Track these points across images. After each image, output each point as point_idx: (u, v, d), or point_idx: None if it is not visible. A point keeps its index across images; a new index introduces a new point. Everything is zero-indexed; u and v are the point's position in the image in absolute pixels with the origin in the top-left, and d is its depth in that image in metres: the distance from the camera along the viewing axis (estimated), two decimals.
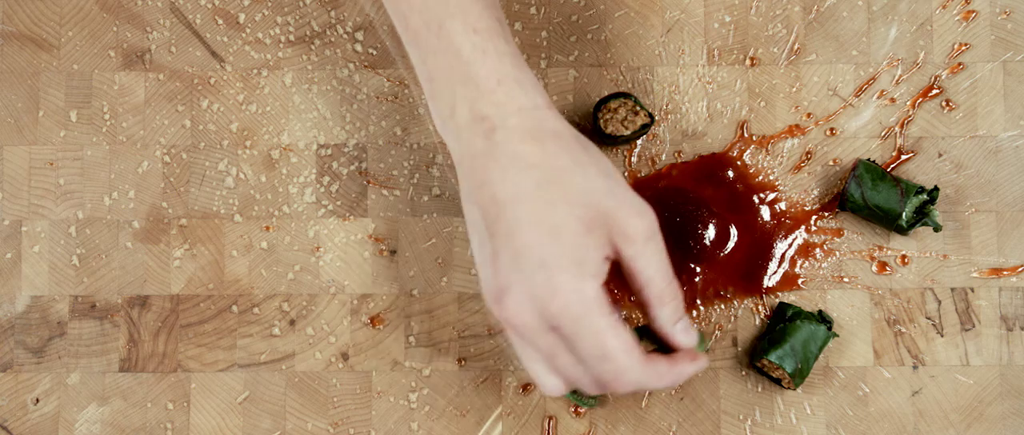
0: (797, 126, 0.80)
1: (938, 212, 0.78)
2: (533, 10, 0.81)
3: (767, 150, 0.80)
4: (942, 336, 0.79)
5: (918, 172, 0.80)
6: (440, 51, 0.64)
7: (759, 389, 0.79)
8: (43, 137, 0.81)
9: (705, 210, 0.80)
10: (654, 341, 0.69)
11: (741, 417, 0.79)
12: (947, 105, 0.80)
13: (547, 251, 0.62)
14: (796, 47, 0.81)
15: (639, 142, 0.80)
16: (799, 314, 0.77)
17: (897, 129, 0.80)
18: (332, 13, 0.81)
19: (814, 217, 0.80)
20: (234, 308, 0.80)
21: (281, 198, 0.80)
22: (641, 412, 0.79)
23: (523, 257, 0.62)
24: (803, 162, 0.80)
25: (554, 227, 0.62)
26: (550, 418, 0.79)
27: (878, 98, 0.80)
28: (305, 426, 0.79)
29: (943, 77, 0.80)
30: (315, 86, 0.81)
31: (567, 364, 0.64)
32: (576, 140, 0.65)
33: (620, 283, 0.79)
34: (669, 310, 0.66)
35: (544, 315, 0.62)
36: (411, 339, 0.79)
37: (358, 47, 0.81)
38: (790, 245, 0.80)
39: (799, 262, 0.79)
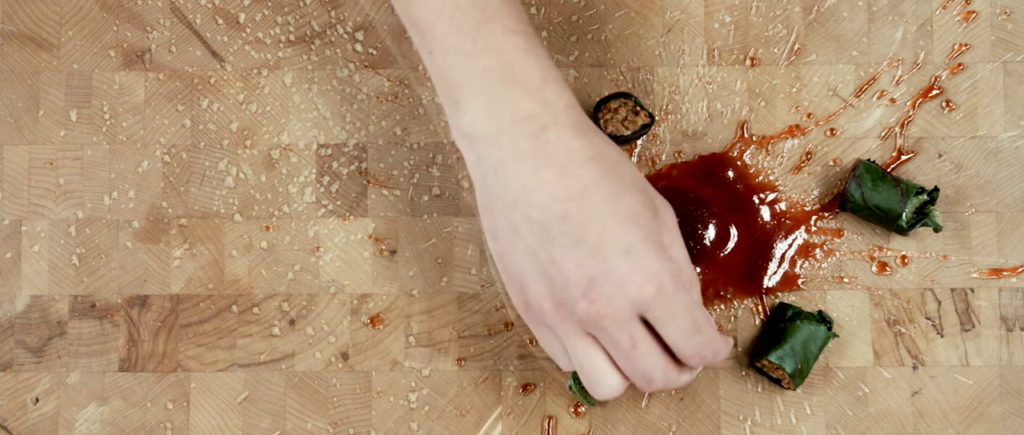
0: (797, 126, 0.80)
1: (938, 212, 0.78)
2: (533, 10, 0.81)
3: (767, 150, 0.80)
4: (942, 336, 0.79)
5: (918, 172, 0.80)
6: (475, 54, 0.64)
7: (759, 389, 0.79)
8: (43, 137, 0.81)
9: (705, 210, 0.80)
10: None
11: (741, 417, 0.79)
12: (947, 106, 0.80)
13: (630, 238, 0.62)
14: (796, 47, 0.81)
15: (639, 142, 0.80)
16: (799, 314, 0.77)
17: (897, 129, 0.80)
18: (332, 13, 0.81)
19: (814, 217, 0.80)
20: (234, 308, 0.80)
21: (281, 198, 0.80)
22: (641, 412, 0.79)
23: (605, 248, 0.62)
24: (803, 162, 0.80)
25: (630, 214, 0.63)
26: (550, 418, 0.79)
27: (878, 98, 0.80)
28: (305, 426, 0.79)
29: (943, 77, 0.80)
30: (315, 86, 0.81)
31: (645, 354, 0.65)
32: (605, 134, 0.66)
33: None
34: (697, 293, 0.67)
35: (636, 302, 0.63)
36: (411, 339, 0.79)
37: (358, 47, 0.81)
38: (790, 245, 0.80)
39: (799, 262, 0.79)
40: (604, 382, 0.66)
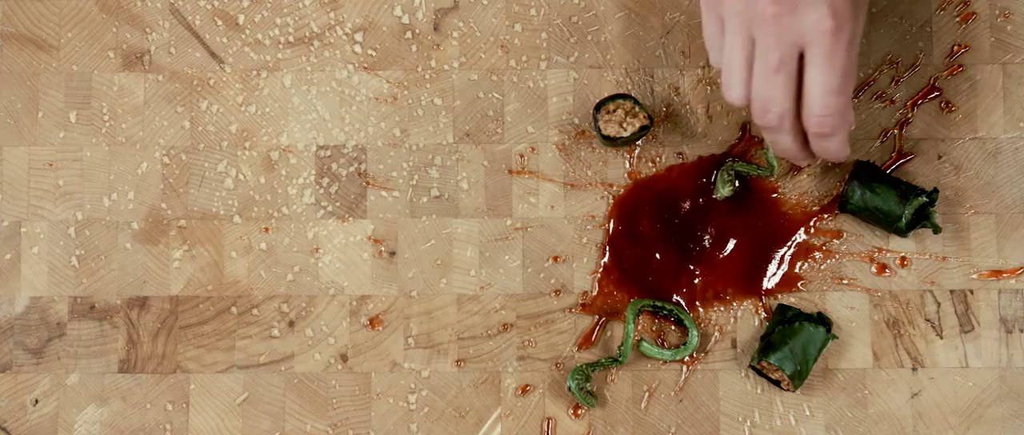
0: None
1: (938, 214, 0.78)
2: (533, 11, 0.81)
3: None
4: (941, 338, 0.79)
5: (918, 174, 0.80)
6: None
7: (758, 391, 0.79)
8: (42, 138, 0.81)
9: (705, 212, 0.80)
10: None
11: (740, 419, 0.79)
12: (946, 107, 0.80)
13: None
14: None
15: (639, 143, 0.80)
16: (799, 316, 0.77)
17: (896, 131, 0.80)
18: (331, 14, 0.81)
19: (814, 218, 0.80)
20: (233, 309, 0.80)
21: (280, 199, 0.80)
22: (640, 413, 0.79)
23: None
24: None
25: None
26: (549, 420, 0.79)
27: (877, 99, 0.80)
28: (304, 427, 0.79)
29: (942, 78, 0.80)
30: (314, 87, 0.81)
31: (780, 82, 0.68)
32: None
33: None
34: (853, 79, 0.70)
35: (811, 28, 0.66)
36: (410, 340, 0.79)
37: (357, 48, 0.81)
38: (789, 247, 0.80)
39: (799, 264, 0.79)
40: (733, 87, 0.70)
